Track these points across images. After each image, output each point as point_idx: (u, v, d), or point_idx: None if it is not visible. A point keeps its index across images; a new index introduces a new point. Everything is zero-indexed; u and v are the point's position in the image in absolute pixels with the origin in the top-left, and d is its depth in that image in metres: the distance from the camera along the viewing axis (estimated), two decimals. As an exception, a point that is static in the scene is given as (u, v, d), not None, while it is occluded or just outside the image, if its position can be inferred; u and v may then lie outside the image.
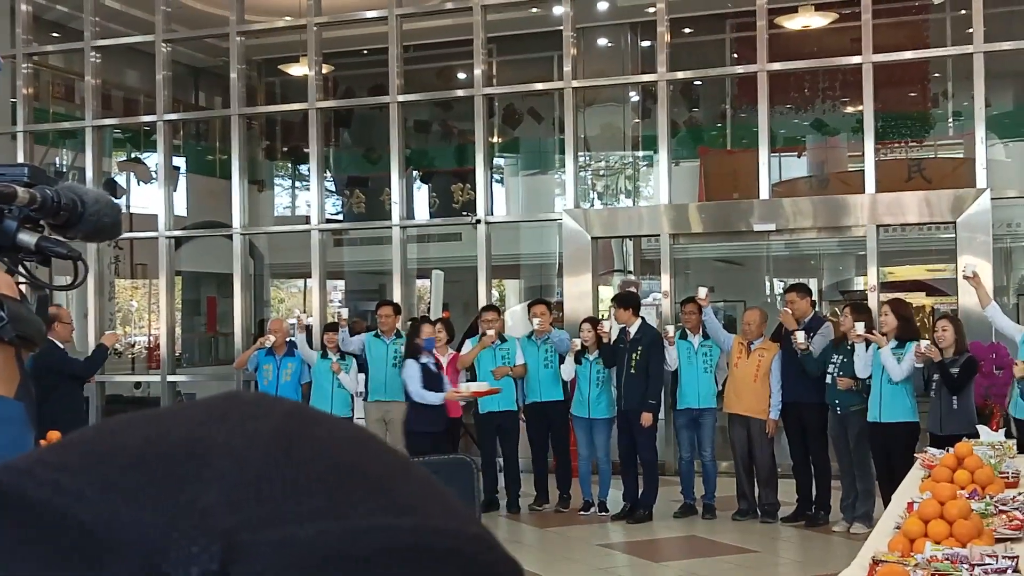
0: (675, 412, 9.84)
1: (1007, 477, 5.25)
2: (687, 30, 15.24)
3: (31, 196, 1.25)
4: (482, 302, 11.56)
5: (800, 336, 8.83)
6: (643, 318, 9.80)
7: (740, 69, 13.28)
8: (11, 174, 1.29)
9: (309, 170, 13.28)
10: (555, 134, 15.54)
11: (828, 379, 8.74)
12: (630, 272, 15.16)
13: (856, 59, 11.48)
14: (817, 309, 9.90)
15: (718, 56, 15.38)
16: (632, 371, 9.36)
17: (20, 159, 13.26)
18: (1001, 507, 4.47)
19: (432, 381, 9.40)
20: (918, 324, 9.73)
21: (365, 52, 15.47)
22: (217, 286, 16.94)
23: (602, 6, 15.06)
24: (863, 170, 11.33)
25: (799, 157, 15.77)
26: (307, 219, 13.61)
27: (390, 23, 12.69)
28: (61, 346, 9.06)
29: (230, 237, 13.28)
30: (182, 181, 15.97)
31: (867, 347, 8.47)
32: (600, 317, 10.68)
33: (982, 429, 6.55)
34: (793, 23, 13.73)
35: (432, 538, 0.43)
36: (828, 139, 15.70)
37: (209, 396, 0.47)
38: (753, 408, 9.24)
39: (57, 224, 1.30)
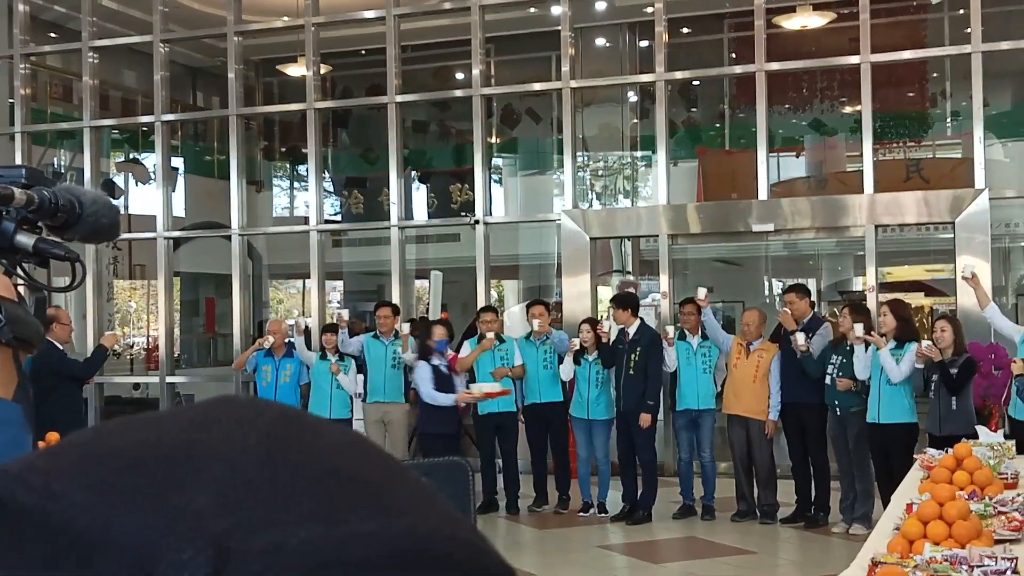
0: (674, 413, 9.83)
1: (1006, 478, 5.24)
2: (685, 30, 15.25)
3: (28, 197, 1.24)
4: (481, 303, 11.56)
5: (800, 338, 8.83)
6: (642, 319, 9.79)
7: (738, 69, 13.28)
8: (8, 175, 1.28)
9: (307, 170, 13.28)
10: (553, 134, 15.56)
11: (827, 380, 8.74)
12: (629, 272, 15.15)
13: (854, 59, 11.49)
14: (816, 310, 9.90)
15: (716, 56, 15.38)
16: (631, 372, 9.35)
17: (18, 160, 13.26)
18: (1000, 508, 4.47)
19: (443, 383, 9.38)
20: (917, 324, 9.73)
21: (363, 52, 15.48)
22: (216, 287, 16.93)
23: (600, 6, 15.06)
24: (861, 170, 11.34)
25: (797, 157, 15.77)
26: (305, 220, 13.62)
27: (388, 23, 12.69)
28: (60, 347, 9.06)
29: (228, 238, 13.28)
30: (180, 182, 15.96)
31: (866, 348, 8.47)
32: (599, 318, 10.68)
33: (981, 430, 6.54)
34: (791, 23, 13.73)
35: (425, 543, 0.43)
36: (826, 139, 15.70)
37: (202, 400, 0.47)
38: (752, 409, 9.23)
39: (55, 225, 1.30)
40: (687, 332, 9.65)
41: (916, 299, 15.35)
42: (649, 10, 12.49)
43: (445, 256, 14.98)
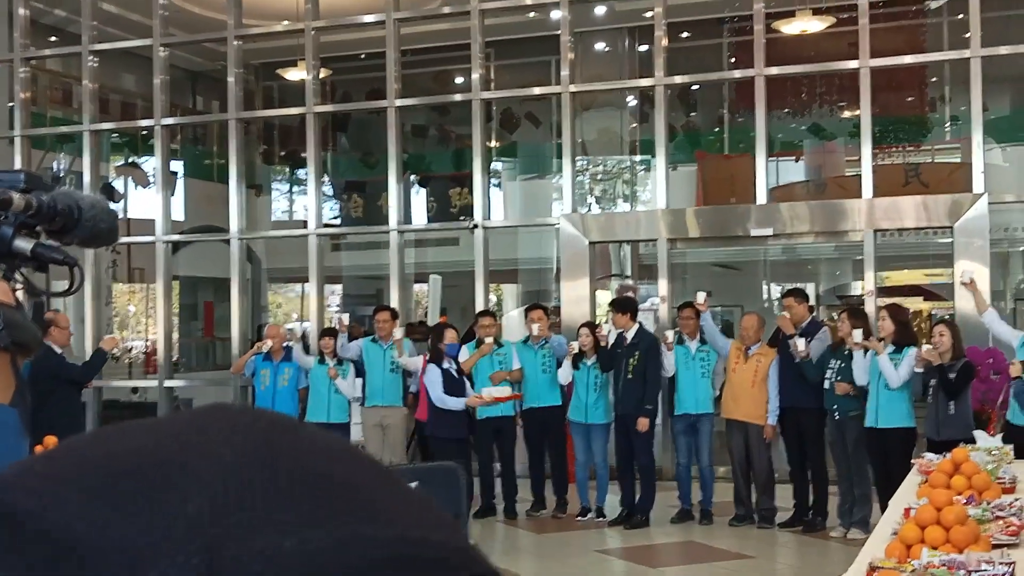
0: (672, 417, 9.81)
1: (1004, 483, 5.24)
2: (685, 35, 15.28)
3: (27, 202, 1.25)
4: (479, 307, 11.55)
5: (800, 343, 8.81)
6: (641, 323, 9.78)
7: (737, 73, 13.29)
8: (7, 180, 1.28)
9: (307, 174, 13.28)
10: (553, 138, 15.56)
11: (826, 384, 8.74)
12: (628, 277, 15.16)
13: (853, 63, 11.50)
14: (814, 314, 9.90)
15: (715, 60, 15.40)
16: (629, 376, 9.34)
17: (17, 164, 13.25)
18: (998, 513, 4.47)
19: (454, 386, 9.38)
20: (915, 329, 9.73)
21: (363, 56, 15.49)
22: (214, 291, 16.92)
23: (600, 10, 15.08)
24: (860, 175, 11.34)
25: (796, 162, 15.79)
26: (305, 223, 13.62)
27: (388, 27, 12.70)
28: (58, 351, 9.06)
29: (227, 241, 13.28)
30: (180, 185, 15.97)
31: (865, 354, 8.47)
32: (598, 322, 10.67)
33: (979, 434, 6.54)
34: (791, 27, 13.74)
35: (416, 549, 0.43)
36: (825, 143, 15.72)
37: (197, 407, 0.48)
38: (751, 413, 9.22)
39: (53, 230, 1.30)
40: (686, 336, 9.64)
41: (915, 303, 15.36)
42: (649, 14, 12.51)
43: (444, 260, 15.00)
